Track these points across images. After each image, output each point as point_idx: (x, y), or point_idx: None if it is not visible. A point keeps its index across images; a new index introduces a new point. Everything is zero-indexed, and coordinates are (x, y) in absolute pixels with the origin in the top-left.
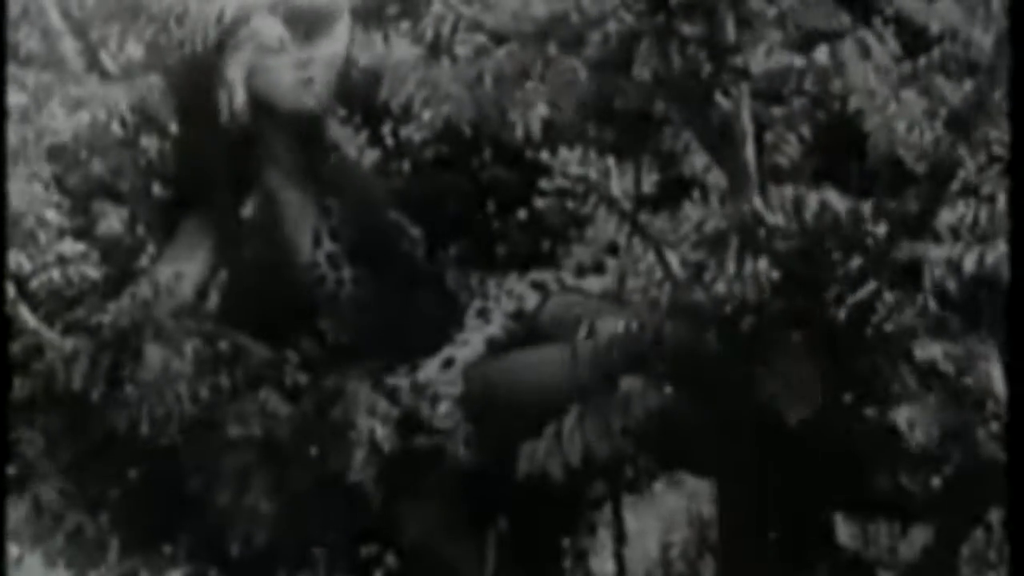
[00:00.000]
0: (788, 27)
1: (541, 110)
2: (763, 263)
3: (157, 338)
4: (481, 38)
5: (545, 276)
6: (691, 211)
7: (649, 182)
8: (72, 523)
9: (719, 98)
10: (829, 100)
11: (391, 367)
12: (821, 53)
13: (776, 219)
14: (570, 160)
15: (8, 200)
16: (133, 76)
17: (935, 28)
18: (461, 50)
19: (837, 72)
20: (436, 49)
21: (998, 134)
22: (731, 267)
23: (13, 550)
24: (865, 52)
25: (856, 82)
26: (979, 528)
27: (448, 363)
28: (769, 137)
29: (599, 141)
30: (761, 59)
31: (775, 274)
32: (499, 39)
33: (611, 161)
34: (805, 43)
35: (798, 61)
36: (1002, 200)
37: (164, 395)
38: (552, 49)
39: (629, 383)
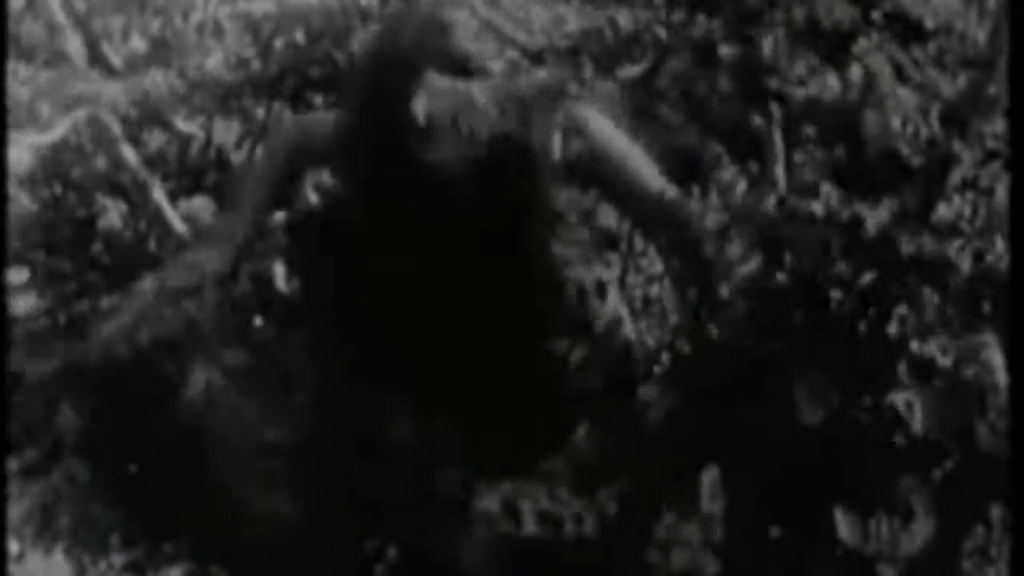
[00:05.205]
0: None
1: None
2: (765, 261)
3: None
4: (514, 54)
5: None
6: (693, 206)
7: None
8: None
9: (752, 117)
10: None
11: None
12: (855, 72)
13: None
14: None
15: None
16: (137, 70)
17: (930, 22)
18: (494, 66)
19: (867, 90)
20: (468, 65)
21: (993, 128)
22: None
23: (13, 547)
24: (898, 69)
25: (885, 93)
26: (980, 524)
27: None
28: (798, 157)
29: None
30: (796, 79)
31: (780, 275)
32: (533, 56)
33: None
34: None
35: (832, 81)
36: (1000, 194)
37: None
38: (586, 66)
39: (645, 391)
